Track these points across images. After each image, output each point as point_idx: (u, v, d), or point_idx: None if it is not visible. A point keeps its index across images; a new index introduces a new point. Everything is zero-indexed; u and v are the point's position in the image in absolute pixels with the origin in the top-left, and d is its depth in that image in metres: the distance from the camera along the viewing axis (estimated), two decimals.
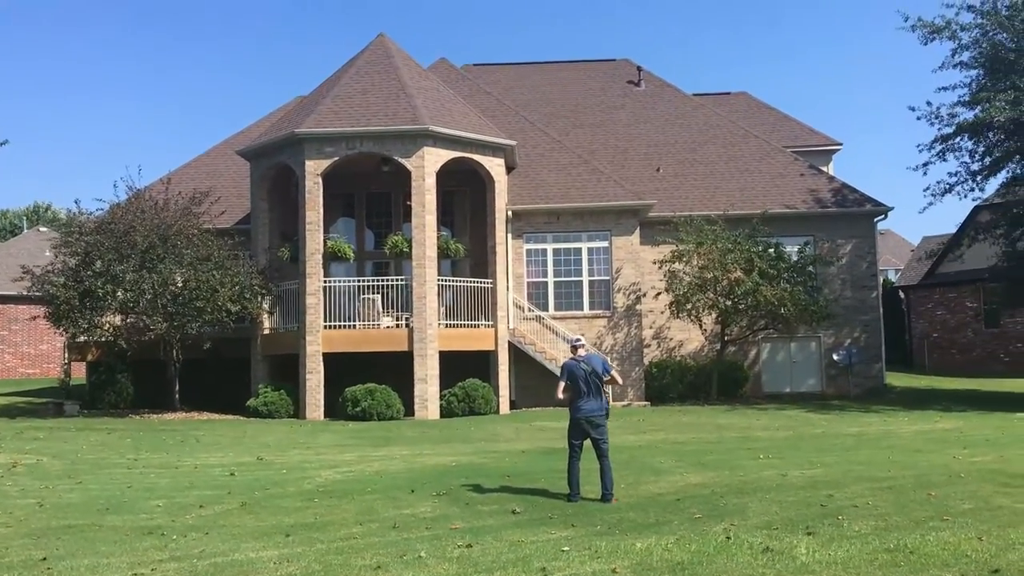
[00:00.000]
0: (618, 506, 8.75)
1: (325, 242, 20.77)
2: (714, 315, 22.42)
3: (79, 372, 26.07)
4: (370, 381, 19.74)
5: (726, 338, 22.89)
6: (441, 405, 19.96)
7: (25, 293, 20.14)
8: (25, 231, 44.46)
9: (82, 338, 20.16)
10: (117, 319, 19.53)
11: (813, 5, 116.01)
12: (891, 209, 24.23)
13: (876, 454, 12.11)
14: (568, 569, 6.41)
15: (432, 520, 8.23)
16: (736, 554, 6.75)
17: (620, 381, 9.81)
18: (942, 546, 6.85)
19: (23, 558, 6.96)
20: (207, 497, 9.52)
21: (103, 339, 19.79)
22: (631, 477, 10.29)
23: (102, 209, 20.70)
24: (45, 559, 6.89)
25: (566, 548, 7.02)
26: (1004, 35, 21.63)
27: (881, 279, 27.28)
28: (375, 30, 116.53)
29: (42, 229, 40.05)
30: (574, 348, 9.47)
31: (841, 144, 29.97)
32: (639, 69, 30.59)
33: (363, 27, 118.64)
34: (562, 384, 9.37)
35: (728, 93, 32.66)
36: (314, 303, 19.98)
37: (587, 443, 9.28)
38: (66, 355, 22.45)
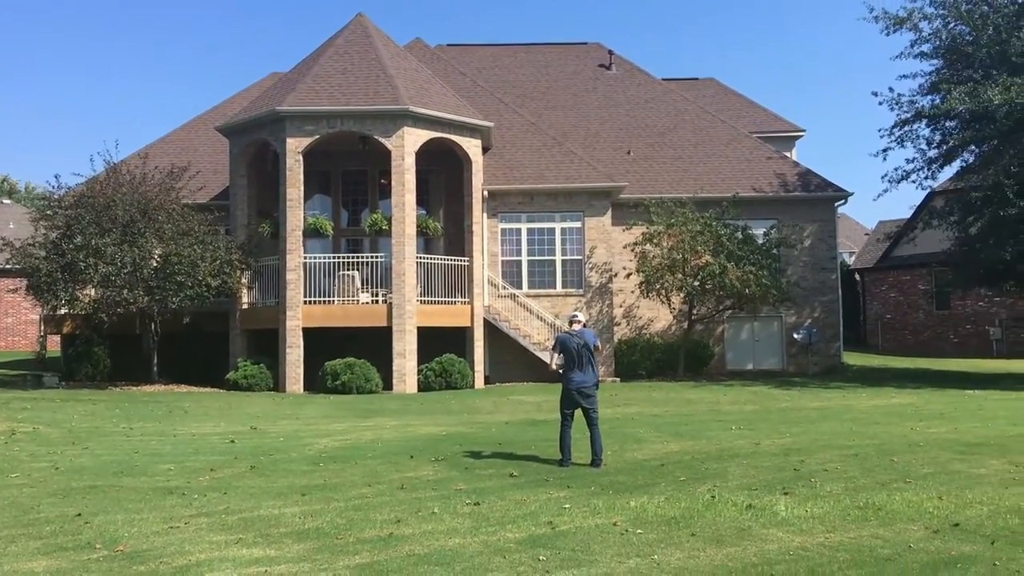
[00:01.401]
0: (607, 470, 9.37)
1: (305, 219, 21.08)
2: (682, 295, 23.17)
3: (53, 345, 26.06)
4: (346, 356, 20.15)
5: (693, 317, 23.69)
6: (419, 379, 20.48)
7: (6, 266, 20.13)
8: None
9: (63, 311, 20.28)
10: (96, 292, 19.65)
11: None
12: (851, 194, 25.17)
13: (839, 426, 12.91)
14: (572, 523, 7.00)
15: (436, 482, 8.78)
16: (722, 510, 7.40)
17: (602, 352, 10.33)
18: (907, 504, 7.57)
19: (57, 514, 7.38)
20: (215, 462, 9.96)
21: (83, 312, 19.92)
22: (615, 445, 10.93)
23: (80, 184, 20.79)
24: (80, 514, 7.31)
25: (567, 506, 7.61)
26: (963, 27, 22.54)
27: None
28: (349, 6, 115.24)
29: (6, 201, 39.56)
30: (570, 322, 10.04)
31: (804, 131, 30.90)
32: (610, 53, 31.12)
33: (337, 3, 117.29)
34: (555, 356, 9.93)
35: (696, 79, 33.37)
36: (294, 279, 20.32)
37: (578, 413, 9.87)
38: (42, 328, 22.50)
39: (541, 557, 6.00)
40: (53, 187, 20.30)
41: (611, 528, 6.83)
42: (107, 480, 8.89)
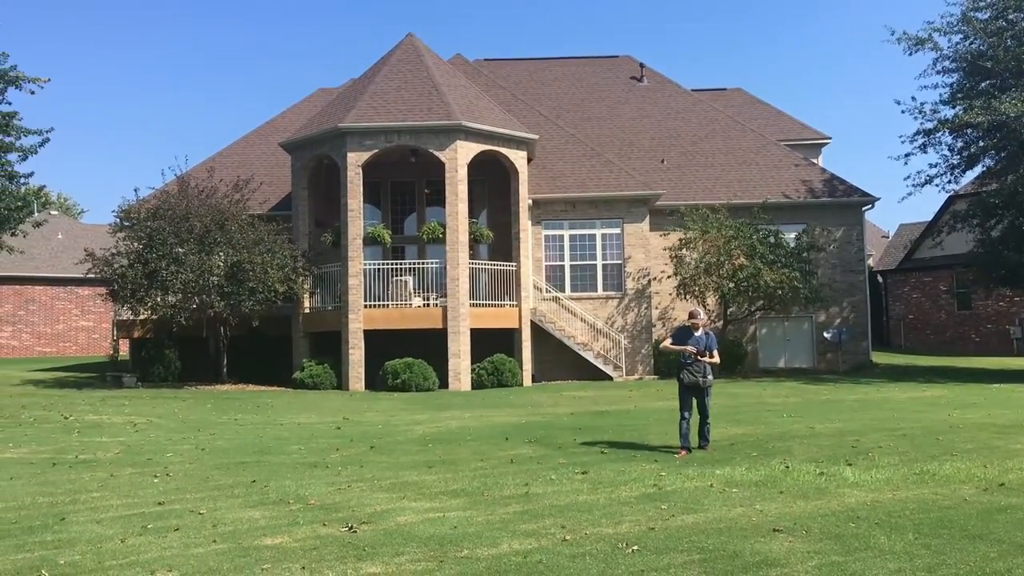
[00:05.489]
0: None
1: (364, 228, 22.44)
2: (717, 296, 24.41)
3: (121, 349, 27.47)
4: (398, 357, 21.38)
5: (727, 318, 24.90)
6: (472, 378, 21.76)
7: (88, 275, 21.53)
8: (35, 215, 45.35)
9: (143, 315, 21.64)
10: (173, 298, 20.97)
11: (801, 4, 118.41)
12: (878, 199, 26.38)
13: (882, 413, 14.11)
14: (675, 485, 8.25)
15: (539, 458, 10.03)
16: (799, 476, 8.63)
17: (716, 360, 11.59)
18: (957, 471, 8.78)
19: (233, 481, 8.66)
20: (335, 444, 11.25)
21: (159, 317, 21.25)
22: None
23: (149, 195, 22.29)
24: (255, 481, 8.60)
25: (663, 474, 8.85)
26: (982, 43, 23.70)
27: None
28: (386, 26, 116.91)
29: (54, 213, 41.12)
30: (691, 317, 11.31)
31: (830, 138, 32.15)
32: (641, 66, 32.42)
33: (374, 23, 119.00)
34: (671, 342, 11.20)
35: (724, 89, 34.63)
36: (356, 284, 21.64)
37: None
38: (115, 333, 23.87)
39: (662, 507, 7.24)
40: (131, 200, 21.75)
41: (709, 489, 8.07)
42: (252, 457, 10.19)
